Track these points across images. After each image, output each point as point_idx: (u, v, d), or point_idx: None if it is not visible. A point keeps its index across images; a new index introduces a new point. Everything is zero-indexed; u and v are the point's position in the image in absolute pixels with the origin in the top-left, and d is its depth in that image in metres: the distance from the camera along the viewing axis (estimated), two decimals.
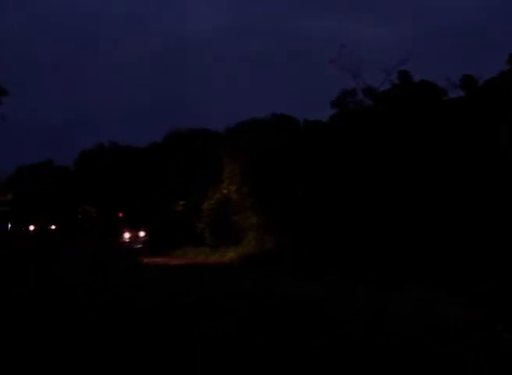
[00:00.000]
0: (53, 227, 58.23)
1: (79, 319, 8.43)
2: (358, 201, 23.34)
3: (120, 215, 40.04)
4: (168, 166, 41.32)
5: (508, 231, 17.94)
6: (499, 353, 7.42)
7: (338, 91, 29.24)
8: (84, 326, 8.06)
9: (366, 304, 11.46)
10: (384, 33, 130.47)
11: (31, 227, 59.07)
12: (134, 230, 36.96)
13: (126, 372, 6.21)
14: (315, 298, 12.03)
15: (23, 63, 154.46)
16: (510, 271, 14.77)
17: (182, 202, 40.20)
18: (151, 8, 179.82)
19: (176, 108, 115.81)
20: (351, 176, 24.33)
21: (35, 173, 58.80)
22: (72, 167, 59.20)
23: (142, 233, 37.13)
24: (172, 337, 7.38)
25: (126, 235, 36.84)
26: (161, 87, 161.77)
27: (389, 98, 27.48)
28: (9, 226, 60.87)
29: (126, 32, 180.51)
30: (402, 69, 27.27)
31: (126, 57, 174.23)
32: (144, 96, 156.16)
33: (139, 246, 35.27)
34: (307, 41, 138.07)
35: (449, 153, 22.27)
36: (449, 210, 20.43)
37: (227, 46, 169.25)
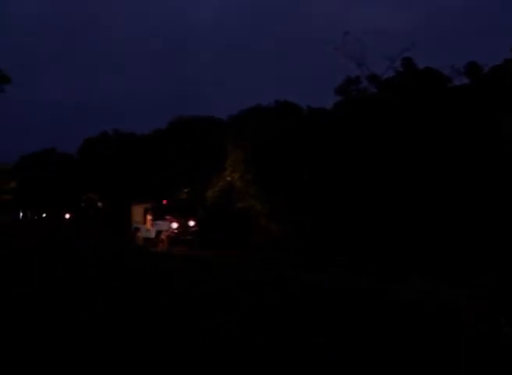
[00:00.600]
0: (67, 216, 56.88)
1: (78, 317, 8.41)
2: (361, 190, 23.36)
3: (164, 202, 32.91)
4: (173, 151, 41.30)
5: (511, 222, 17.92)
6: (501, 347, 7.48)
7: (341, 79, 29.09)
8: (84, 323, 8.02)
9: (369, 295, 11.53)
10: (386, 21, 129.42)
11: (44, 215, 58.61)
12: (183, 219, 30.49)
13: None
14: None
15: (25, 52, 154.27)
16: None
17: (186, 190, 40.27)
18: None
19: (179, 97, 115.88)
20: (355, 163, 24.32)
21: (38, 161, 58.93)
22: (76, 155, 59.27)
23: (192, 223, 30.79)
24: (170, 336, 7.30)
25: (174, 225, 29.99)
26: (165, 76, 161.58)
27: (393, 85, 27.30)
28: (21, 214, 60.09)
29: (128, 20, 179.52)
30: (406, 56, 27.03)
31: (128, 45, 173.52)
32: (148, 84, 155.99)
33: (188, 238, 29.85)
34: (308, 28, 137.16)
35: (452, 141, 22.20)
36: (451, 200, 20.41)
37: (228, 34, 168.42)
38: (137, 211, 34.39)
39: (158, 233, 31.09)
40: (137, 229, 34.07)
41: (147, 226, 32.32)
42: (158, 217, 31.38)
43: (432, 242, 18.53)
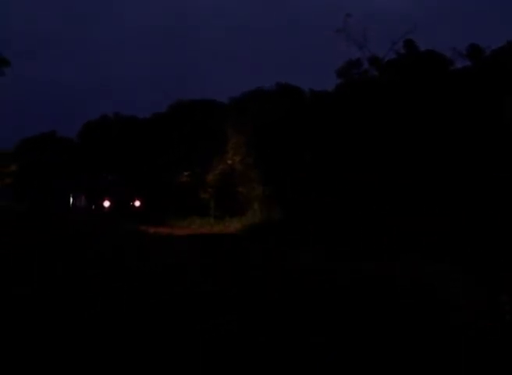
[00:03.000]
0: (137, 204, 47.30)
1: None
2: (364, 170, 23.39)
3: None
4: (173, 135, 41.12)
5: None
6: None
7: (342, 62, 29.00)
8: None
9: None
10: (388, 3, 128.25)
11: (106, 203, 47.78)
12: None
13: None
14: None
15: (25, 36, 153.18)
16: None
17: (186, 173, 40.23)
18: None
19: (179, 81, 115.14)
20: (357, 144, 24.33)
21: (39, 145, 58.49)
22: (76, 138, 58.88)
23: None
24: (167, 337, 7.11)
25: None
26: (166, 59, 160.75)
27: (394, 67, 27.25)
28: (71, 201, 51.71)
29: (128, 5, 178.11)
30: (408, 39, 26.98)
31: (128, 30, 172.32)
32: (149, 68, 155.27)
33: None
34: (309, 9, 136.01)
35: (453, 123, 22.24)
36: (451, 181, 20.50)
37: (228, 16, 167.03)
38: None
39: None
40: None
41: None
42: None
43: (430, 220, 18.46)
